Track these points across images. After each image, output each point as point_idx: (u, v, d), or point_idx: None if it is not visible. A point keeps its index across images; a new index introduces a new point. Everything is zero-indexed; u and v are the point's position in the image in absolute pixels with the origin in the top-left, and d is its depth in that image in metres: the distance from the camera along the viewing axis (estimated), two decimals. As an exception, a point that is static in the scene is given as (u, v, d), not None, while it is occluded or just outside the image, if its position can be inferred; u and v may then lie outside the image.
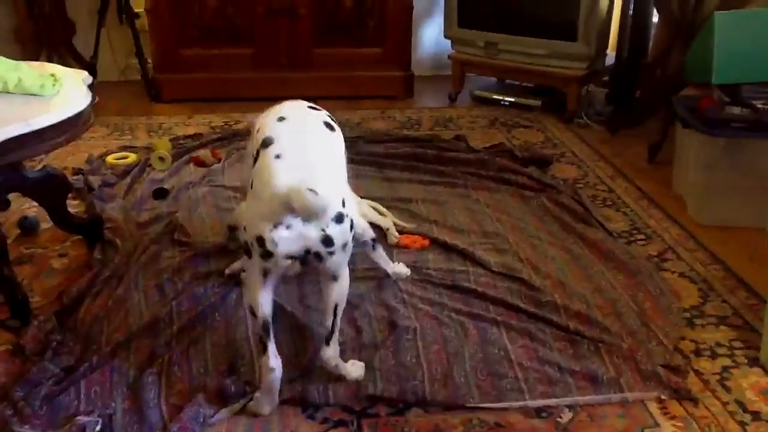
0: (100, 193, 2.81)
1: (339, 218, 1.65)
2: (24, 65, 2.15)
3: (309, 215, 1.58)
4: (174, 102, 3.96)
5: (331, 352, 1.77)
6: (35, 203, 2.50)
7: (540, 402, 1.76)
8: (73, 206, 2.68)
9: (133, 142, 3.40)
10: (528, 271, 2.28)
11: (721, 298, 2.21)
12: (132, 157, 3.17)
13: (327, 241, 1.64)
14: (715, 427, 1.70)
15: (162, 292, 2.17)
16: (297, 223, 1.60)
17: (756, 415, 1.74)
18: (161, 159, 3.09)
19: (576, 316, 2.05)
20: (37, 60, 3.68)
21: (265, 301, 1.68)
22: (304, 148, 1.78)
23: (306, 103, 2.04)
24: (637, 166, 3.18)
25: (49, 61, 3.90)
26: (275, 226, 1.59)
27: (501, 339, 1.97)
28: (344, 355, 1.84)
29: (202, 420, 1.68)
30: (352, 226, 1.71)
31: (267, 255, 1.62)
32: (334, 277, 1.74)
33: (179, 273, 2.25)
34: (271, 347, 1.70)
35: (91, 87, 2.26)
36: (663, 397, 1.78)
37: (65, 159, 3.11)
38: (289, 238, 1.60)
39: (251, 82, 3.96)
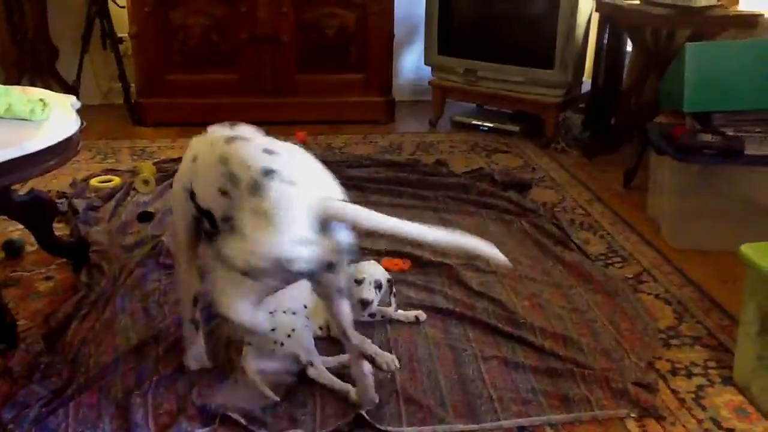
0: (85, 216, 2.83)
1: None
2: (13, 90, 2.17)
3: None
4: (157, 126, 3.99)
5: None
6: (20, 225, 2.51)
7: (513, 422, 1.79)
8: (58, 229, 2.69)
9: (117, 166, 3.42)
10: (507, 292, 2.34)
11: (696, 319, 2.27)
12: (116, 181, 3.19)
13: None
14: (691, 445, 1.76)
15: (148, 315, 2.19)
16: None
17: (730, 432, 1.80)
18: (145, 182, 3.11)
19: (552, 337, 2.10)
20: (19, 83, 3.70)
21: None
22: None
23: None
24: (613, 191, 3.26)
25: (32, 84, 3.92)
26: None
27: (476, 360, 2.01)
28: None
29: None
30: None
31: None
32: None
33: (165, 296, 2.28)
34: None
35: (78, 112, 2.28)
36: (633, 415, 1.83)
37: (49, 182, 3.12)
38: None
39: (235, 107, 3.99)
